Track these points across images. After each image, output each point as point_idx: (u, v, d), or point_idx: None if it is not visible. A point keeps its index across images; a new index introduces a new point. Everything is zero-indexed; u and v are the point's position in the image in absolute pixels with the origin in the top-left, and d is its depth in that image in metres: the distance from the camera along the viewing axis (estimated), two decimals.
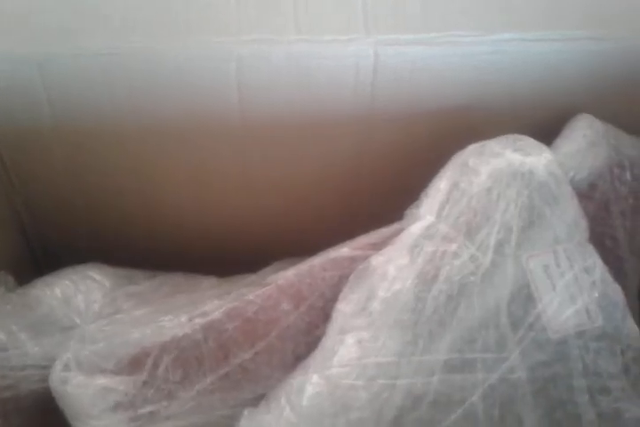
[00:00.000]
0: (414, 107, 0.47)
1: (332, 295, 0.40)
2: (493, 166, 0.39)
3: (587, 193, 0.42)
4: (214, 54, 0.44)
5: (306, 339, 0.40)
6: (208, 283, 0.49)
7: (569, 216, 0.39)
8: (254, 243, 0.55)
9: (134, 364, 0.38)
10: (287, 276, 0.41)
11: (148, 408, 0.38)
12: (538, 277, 0.37)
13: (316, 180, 0.52)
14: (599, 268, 0.38)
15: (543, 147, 0.41)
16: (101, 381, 0.37)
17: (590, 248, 0.39)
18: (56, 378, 0.38)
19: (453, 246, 0.38)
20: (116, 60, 0.44)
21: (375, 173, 0.52)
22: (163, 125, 0.47)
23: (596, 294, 0.38)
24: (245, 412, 0.39)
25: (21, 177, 0.50)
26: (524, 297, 0.37)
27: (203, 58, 0.44)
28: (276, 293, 0.41)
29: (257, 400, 0.40)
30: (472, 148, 0.41)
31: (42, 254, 0.56)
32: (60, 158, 0.49)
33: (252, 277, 0.48)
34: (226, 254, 0.54)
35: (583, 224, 0.39)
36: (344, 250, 0.41)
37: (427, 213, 0.39)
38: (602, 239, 0.42)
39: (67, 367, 0.38)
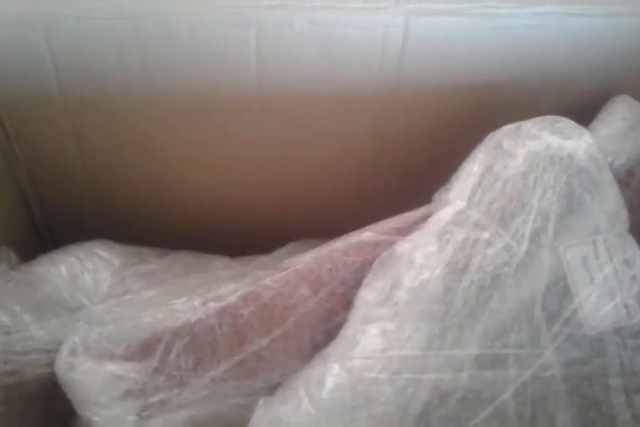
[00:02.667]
0: (443, 82, 0.45)
1: (353, 282, 0.39)
2: (530, 149, 0.37)
3: (624, 180, 0.40)
4: (232, 20, 0.41)
5: (325, 326, 0.39)
6: (220, 263, 0.47)
7: (610, 204, 0.37)
8: (267, 223, 0.53)
9: (145, 349, 0.37)
10: (306, 260, 0.40)
11: (159, 396, 0.37)
12: (575, 269, 0.36)
13: (333, 158, 0.50)
14: None
15: (583, 130, 0.39)
16: (110, 367, 0.36)
17: (630, 240, 0.37)
18: (62, 364, 0.36)
19: (486, 234, 0.36)
20: (126, 25, 0.41)
21: (396, 152, 0.50)
22: (175, 97, 0.45)
23: (636, 289, 0.36)
24: (261, 401, 0.37)
25: (25, 150, 0.49)
26: (561, 290, 0.35)
27: (220, 24, 0.42)
28: (294, 278, 0.39)
29: (272, 389, 0.38)
30: (507, 128, 0.39)
31: (47, 231, 0.55)
32: (67, 130, 0.47)
33: (266, 259, 0.47)
34: (237, 235, 0.53)
35: (624, 214, 0.37)
36: (367, 234, 0.40)
37: (457, 198, 0.37)
38: (637, 229, 0.40)
39: (73, 352, 0.36)
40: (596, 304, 0.35)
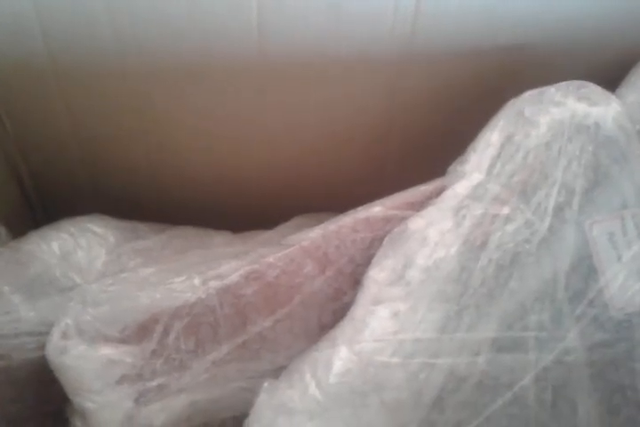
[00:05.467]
0: (459, 46, 0.44)
1: (362, 260, 0.38)
2: (554, 117, 0.36)
3: None
4: None
5: (332, 306, 0.38)
6: (221, 238, 0.47)
7: (639, 177, 0.35)
8: (270, 196, 0.52)
9: (142, 331, 0.36)
10: (312, 237, 0.38)
11: (158, 381, 0.36)
12: (601, 246, 0.34)
13: (340, 128, 0.49)
14: None
15: (611, 96, 0.37)
16: (105, 351, 0.35)
17: None
18: (53, 348, 0.35)
19: (505, 209, 0.34)
20: None
21: (408, 122, 0.48)
22: (171, 62, 0.43)
23: None
24: (266, 384, 0.36)
25: (15, 121, 0.47)
26: (585, 269, 0.34)
27: None
28: (299, 255, 0.38)
29: (277, 372, 0.37)
30: (528, 95, 0.37)
31: (40, 206, 0.54)
32: (57, 99, 0.45)
33: (270, 234, 0.46)
34: (239, 208, 0.52)
35: None
36: (377, 209, 0.38)
37: (474, 171, 0.36)
38: None
39: (65, 335, 0.35)
40: (624, 284, 0.34)
